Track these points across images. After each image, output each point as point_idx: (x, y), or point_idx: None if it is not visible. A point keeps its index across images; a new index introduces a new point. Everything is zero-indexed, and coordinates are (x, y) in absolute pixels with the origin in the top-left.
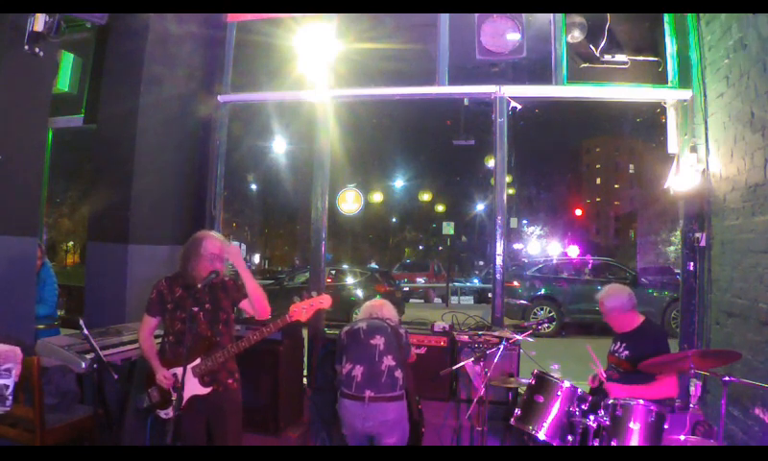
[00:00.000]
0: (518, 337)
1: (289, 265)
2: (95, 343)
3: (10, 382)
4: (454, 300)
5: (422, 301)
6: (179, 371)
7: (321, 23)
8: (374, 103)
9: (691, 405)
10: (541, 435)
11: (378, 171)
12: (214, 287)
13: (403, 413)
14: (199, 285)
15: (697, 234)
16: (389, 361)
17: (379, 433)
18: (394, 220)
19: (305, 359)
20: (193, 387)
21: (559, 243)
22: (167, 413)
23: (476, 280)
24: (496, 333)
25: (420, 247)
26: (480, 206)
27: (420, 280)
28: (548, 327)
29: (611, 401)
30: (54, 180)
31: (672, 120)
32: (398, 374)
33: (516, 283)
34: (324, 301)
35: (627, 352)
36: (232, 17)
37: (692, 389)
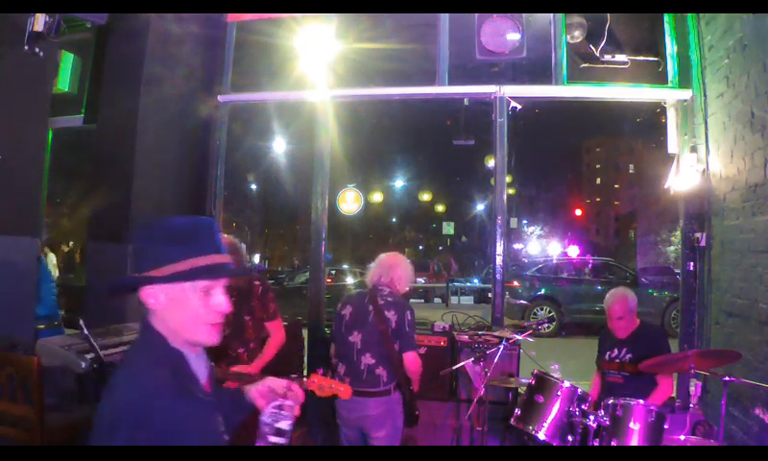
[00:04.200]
0: (518, 337)
1: (289, 265)
2: (95, 343)
3: (288, 426)
4: (454, 300)
5: (423, 301)
6: None
7: (320, 23)
8: (374, 103)
9: (691, 405)
10: (541, 435)
11: (378, 171)
12: (232, 289)
13: (390, 407)
14: None
15: (697, 234)
16: (367, 360)
17: (365, 426)
18: (394, 220)
19: (305, 359)
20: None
21: (559, 243)
22: None
23: (476, 280)
24: (496, 333)
25: (420, 247)
26: (480, 206)
27: (420, 280)
28: (548, 327)
29: (611, 401)
30: (54, 180)
31: (672, 120)
32: (380, 371)
33: (516, 283)
34: (345, 392)
35: (630, 355)
36: (232, 17)
37: (692, 389)
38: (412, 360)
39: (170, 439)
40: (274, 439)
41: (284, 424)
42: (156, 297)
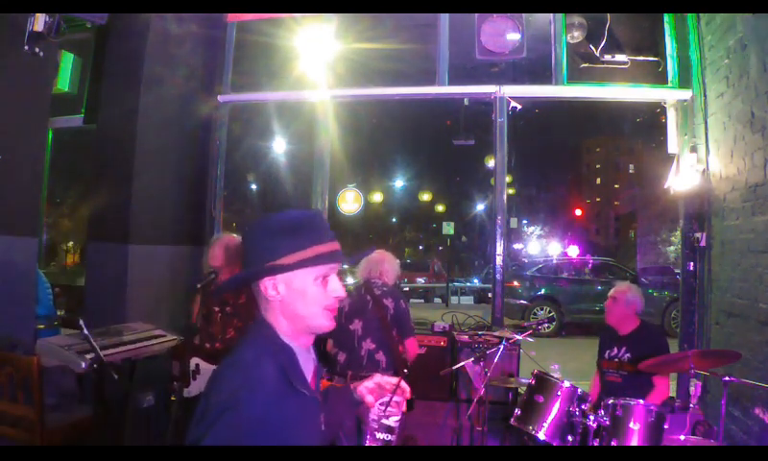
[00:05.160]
0: (518, 337)
1: None
2: (95, 343)
3: (395, 423)
4: (454, 300)
5: (422, 301)
6: (200, 361)
7: (320, 23)
8: (374, 103)
9: (691, 405)
10: (541, 435)
11: (378, 171)
12: (239, 293)
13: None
14: (198, 285)
15: (697, 234)
16: (368, 345)
17: (363, 414)
18: (394, 220)
19: None
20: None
21: (559, 243)
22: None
23: (476, 280)
24: (496, 333)
25: (420, 247)
26: (480, 206)
27: (420, 280)
28: (548, 327)
29: (611, 401)
30: (54, 180)
31: (672, 120)
32: (380, 356)
33: (516, 283)
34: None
35: (629, 355)
36: (232, 17)
37: (692, 389)
38: (413, 344)
39: (271, 434)
40: (382, 436)
41: (392, 421)
42: (276, 287)
